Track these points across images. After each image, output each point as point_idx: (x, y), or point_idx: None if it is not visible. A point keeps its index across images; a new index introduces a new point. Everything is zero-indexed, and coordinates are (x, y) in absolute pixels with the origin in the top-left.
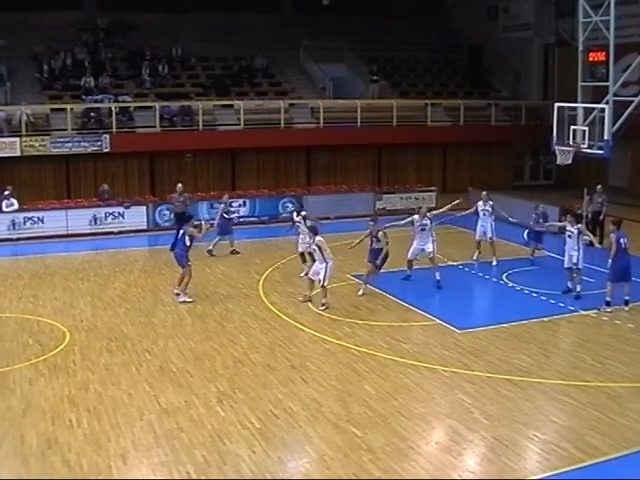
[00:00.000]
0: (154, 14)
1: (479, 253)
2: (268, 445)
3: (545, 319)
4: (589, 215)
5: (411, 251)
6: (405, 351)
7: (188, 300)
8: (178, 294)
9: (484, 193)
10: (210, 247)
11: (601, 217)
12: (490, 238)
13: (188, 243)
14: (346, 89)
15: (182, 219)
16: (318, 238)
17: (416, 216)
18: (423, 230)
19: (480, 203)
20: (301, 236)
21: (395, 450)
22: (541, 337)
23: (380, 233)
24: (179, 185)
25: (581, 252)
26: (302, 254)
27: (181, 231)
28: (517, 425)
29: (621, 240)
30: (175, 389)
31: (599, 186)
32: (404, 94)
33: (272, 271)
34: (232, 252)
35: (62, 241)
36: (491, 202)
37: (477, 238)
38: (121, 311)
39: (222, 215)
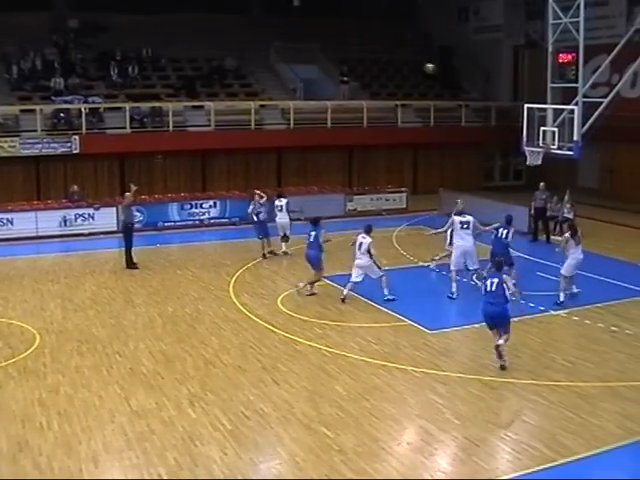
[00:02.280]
0: (125, 15)
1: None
2: (240, 447)
3: (515, 319)
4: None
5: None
6: (376, 352)
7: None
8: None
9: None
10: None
11: (548, 213)
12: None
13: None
14: (317, 90)
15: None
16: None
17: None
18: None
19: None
20: (279, 216)
21: (367, 451)
22: (512, 337)
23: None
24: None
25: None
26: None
27: (313, 233)
28: (488, 425)
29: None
30: (146, 391)
31: (542, 184)
32: (375, 95)
33: (243, 272)
34: (271, 252)
35: (32, 243)
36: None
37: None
38: (91, 313)
39: (253, 216)
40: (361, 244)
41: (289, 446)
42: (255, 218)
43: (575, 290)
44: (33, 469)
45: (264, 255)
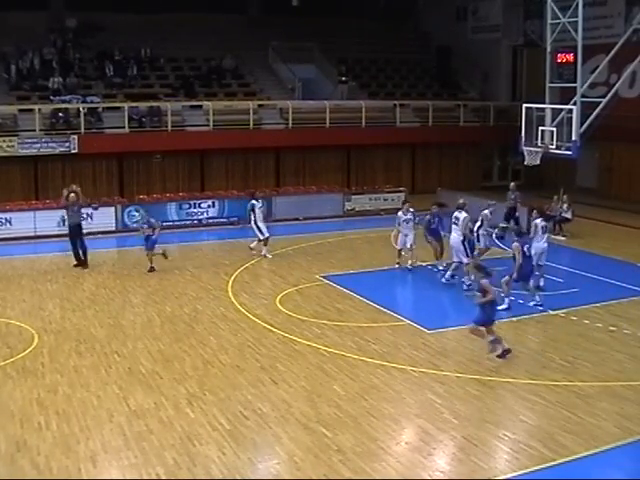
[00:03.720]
0: (123, 15)
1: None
2: (238, 446)
3: (514, 319)
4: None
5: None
6: (374, 352)
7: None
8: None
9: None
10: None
11: (517, 214)
12: (410, 246)
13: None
14: (315, 90)
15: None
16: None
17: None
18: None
19: (400, 213)
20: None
21: (365, 450)
22: (510, 337)
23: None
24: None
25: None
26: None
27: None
28: (487, 425)
29: (525, 247)
30: (144, 391)
31: (512, 183)
32: (373, 95)
33: (241, 272)
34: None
35: (30, 243)
36: (412, 210)
37: (398, 247)
38: (90, 313)
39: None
40: (457, 219)
41: (287, 446)
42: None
43: (542, 283)
44: (32, 469)
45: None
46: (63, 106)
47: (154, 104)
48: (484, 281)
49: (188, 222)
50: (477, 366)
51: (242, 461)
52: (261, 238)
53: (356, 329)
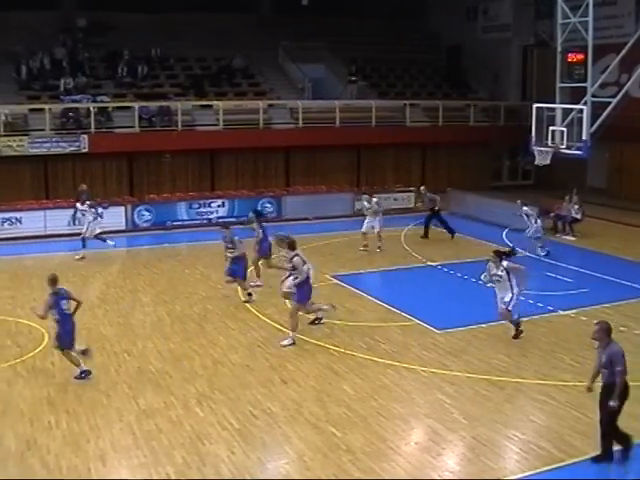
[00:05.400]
0: (133, 14)
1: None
2: (247, 446)
3: (524, 319)
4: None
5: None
6: (384, 351)
7: None
8: None
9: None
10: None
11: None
12: (377, 232)
13: None
14: (325, 90)
15: None
16: None
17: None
18: None
19: (365, 204)
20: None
21: (374, 450)
22: (521, 337)
23: (235, 238)
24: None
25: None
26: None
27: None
28: (496, 425)
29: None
30: (154, 390)
31: (422, 187)
32: (383, 95)
33: (251, 271)
34: None
35: (40, 242)
36: (375, 199)
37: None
38: (100, 312)
39: None
40: None
41: (297, 445)
42: None
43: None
44: (41, 468)
45: None
46: (73, 106)
47: (164, 103)
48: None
49: (198, 222)
50: (487, 366)
51: (251, 460)
52: None
53: (366, 329)
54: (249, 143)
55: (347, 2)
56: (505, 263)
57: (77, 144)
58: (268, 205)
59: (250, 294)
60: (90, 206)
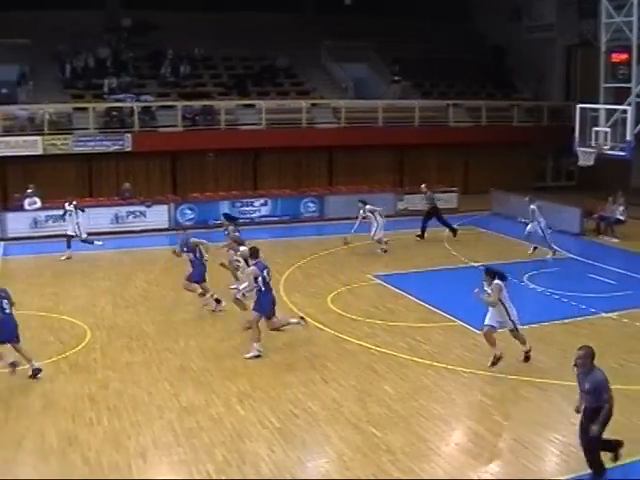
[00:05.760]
0: (177, 13)
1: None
2: (287, 445)
3: (566, 321)
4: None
5: None
6: (425, 352)
7: None
8: None
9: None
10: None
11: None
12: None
13: None
14: (368, 89)
15: None
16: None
17: None
18: None
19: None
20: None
21: (414, 451)
22: (561, 339)
23: (202, 246)
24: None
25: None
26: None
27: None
28: (537, 427)
29: (264, 273)
30: (195, 388)
31: (422, 185)
32: (426, 95)
33: (293, 270)
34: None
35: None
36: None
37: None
38: (142, 310)
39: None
40: None
41: (337, 445)
42: None
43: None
44: (83, 464)
45: None
46: (117, 105)
47: (207, 103)
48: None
49: (240, 220)
50: (528, 367)
51: (291, 459)
52: None
53: (407, 329)
54: (292, 142)
55: (391, 1)
56: (495, 283)
57: (120, 143)
58: (311, 205)
59: (219, 301)
60: (76, 207)
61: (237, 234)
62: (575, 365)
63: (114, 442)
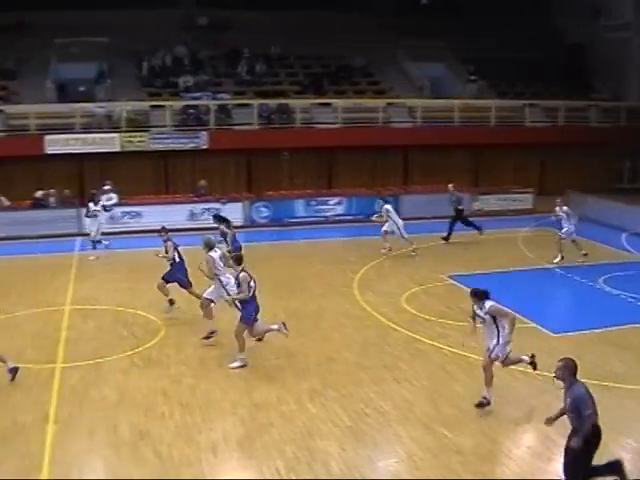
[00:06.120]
0: (253, 12)
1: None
2: (358, 443)
3: (637, 325)
4: None
5: None
6: None
7: None
8: None
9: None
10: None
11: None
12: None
13: None
14: (444, 89)
15: None
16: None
17: None
18: None
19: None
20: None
21: (485, 453)
22: (637, 343)
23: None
24: None
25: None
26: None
27: None
28: (609, 432)
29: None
30: (267, 384)
31: (450, 185)
32: (502, 94)
33: (367, 269)
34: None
35: (159, 236)
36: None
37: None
38: (214, 306)
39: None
40: None
41: (407, 445)
42: None
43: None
44: (154, 457)
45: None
46: (193, 103)
47: (283, 101)
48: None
49: (315, 219)
50: (601, 371)
51: (361, 458)
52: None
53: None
54: (367, 141)
55: (467, 1)
56: (488, 304)
57: (196, 140)
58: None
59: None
60: (105, 207)
61: (229, 234)
62: (556, 377)
63: (186, 436)
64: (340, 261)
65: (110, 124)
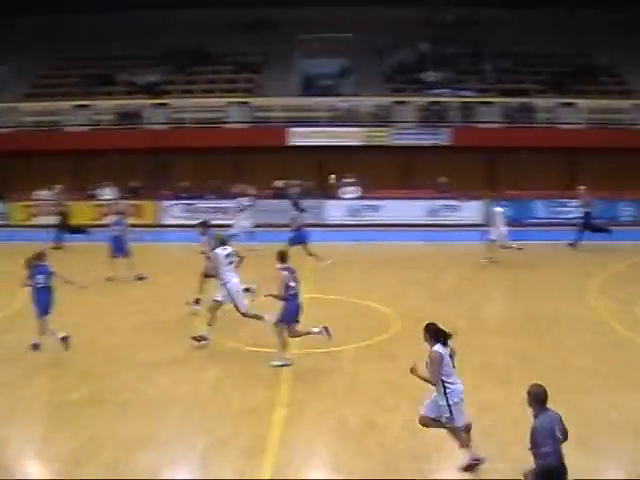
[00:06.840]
0: (497, 10)
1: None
2: (585, 453)
3: None
4: None
5: None
6: None
7: None
8: None
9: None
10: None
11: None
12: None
13: None
14: None
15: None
16: None
17: None
18: None
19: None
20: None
21: None
22: None
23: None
24: None
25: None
26: None
27: None
28: None
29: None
30: (495, 385)
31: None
32: None
33: (606, 275)
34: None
35: (398, 230)
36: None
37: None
38: (450, 304)
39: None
40: None
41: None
42: None
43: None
44: (377, 448)
45: None
46: (437, 99)
47: (525, 100)
48: None
49: (554, 220)
50: None
51: (587, 468)
52: None
53: None
54: (613, 143)
55: None
56: (437, 347)
57: (439, 137)
58: (628, 208)
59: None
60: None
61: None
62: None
63: (412, 430)
64: (576, 265)
65: (354, 118)
